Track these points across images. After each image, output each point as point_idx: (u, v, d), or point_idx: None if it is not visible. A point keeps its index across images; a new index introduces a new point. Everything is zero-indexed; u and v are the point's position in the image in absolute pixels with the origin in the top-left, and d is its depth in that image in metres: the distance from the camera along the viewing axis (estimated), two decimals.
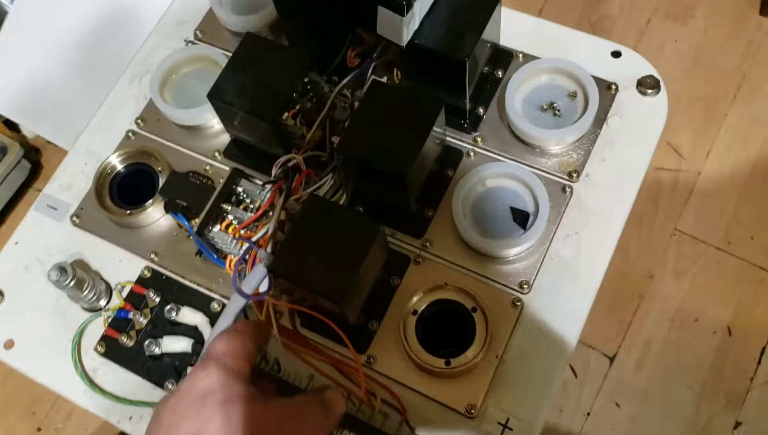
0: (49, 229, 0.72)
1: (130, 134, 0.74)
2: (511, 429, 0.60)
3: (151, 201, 0.69)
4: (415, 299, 0.63)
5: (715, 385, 1.28)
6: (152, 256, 0.68)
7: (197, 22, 0.79)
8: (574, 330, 0.63)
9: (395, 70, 0.70)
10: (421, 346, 0.61)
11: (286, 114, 0.63)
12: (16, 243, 0.72)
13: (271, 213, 0.61)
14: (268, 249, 0.60)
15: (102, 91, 0.78)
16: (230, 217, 0.61)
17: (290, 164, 0.65)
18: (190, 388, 0.48)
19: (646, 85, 0.70)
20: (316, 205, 0.59)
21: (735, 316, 1.32)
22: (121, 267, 0.69)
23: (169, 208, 0.62)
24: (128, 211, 0.69)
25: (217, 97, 0.64)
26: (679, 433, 1.26)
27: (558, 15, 1.58)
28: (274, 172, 0.64)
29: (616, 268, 1.35)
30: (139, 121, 0.75)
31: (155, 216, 0.69)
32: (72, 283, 0.62)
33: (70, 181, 0.74)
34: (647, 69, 0.71)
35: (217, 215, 0.61)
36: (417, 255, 0.66)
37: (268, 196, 0.62)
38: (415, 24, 0.62)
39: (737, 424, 1.25)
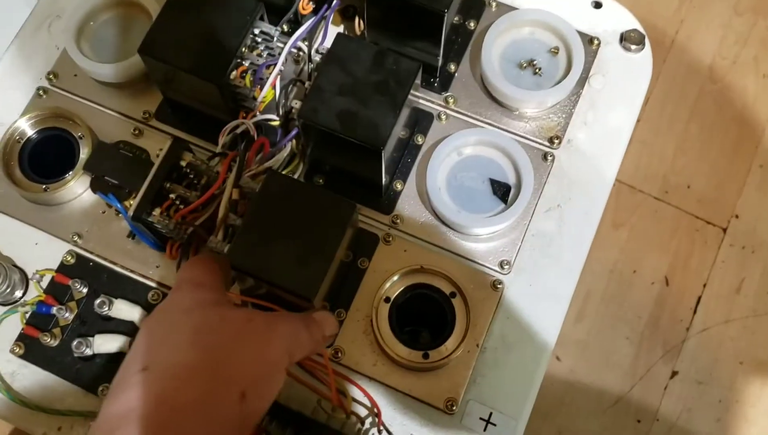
0: None
1: (40, 92, 0.63)
2: (494, 424, 0.55)
3: (71, 173, 0.58)
4: (387, 285, 0.56)
5: (653, 335, 1.29)
6: (75, 238, 0.58)
7: None
8: (559, 312, 0.58)
9: (357, 18, 0.61)
10: (395, 337, 0.55)
11: (234, 72, 0.54)
12: None
13: (219, 192, 0.52)
14: (220, 235, 0.51)
15: None
16: (171, 196, 0.52)
17: (239, 131, 0.56)
18: (171, 306, 0.44)
19: (630, 40, 0.64)
20: (276, 182, 0.51)
21: (672, 267, 1.32)
22: (39, 251, 0.58)
23: (96, 188, 0.52)
24: (44, 186, 0.58)
25: (150, 52, 0.53)
26: (618, 384, 1.27)
27: None
28: (220, 141, 0.55)
29: None
30: (51, 76, 0.63)
31: (77, 190, 0.59)
32: None
33: None
34: (631, 22, 0.65)
35: (156, 195, 0.51)
36: (386, 233, 0.58)
37: (217, 170, 0.53)
38: None
39: (674, 374, 1.26)
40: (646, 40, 0.64)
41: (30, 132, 0.60)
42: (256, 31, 0.55)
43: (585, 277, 1.30)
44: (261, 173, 0.53)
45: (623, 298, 1.31)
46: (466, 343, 0.55)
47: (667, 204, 1.36)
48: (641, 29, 0.65)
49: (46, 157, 0.60)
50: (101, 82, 0.62)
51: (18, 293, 0.57)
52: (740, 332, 1.29)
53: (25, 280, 0.57)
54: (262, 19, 0.55)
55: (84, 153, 0.59)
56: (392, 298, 0.56)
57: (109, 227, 0.59)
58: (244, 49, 0.54)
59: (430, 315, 0.56)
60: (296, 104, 0.54)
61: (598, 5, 0.66)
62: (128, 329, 0.56)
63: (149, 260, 0.58)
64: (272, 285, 0.48)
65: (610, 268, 1.32)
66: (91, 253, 0.58)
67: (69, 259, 0.58)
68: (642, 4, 1.48)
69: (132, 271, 0.58)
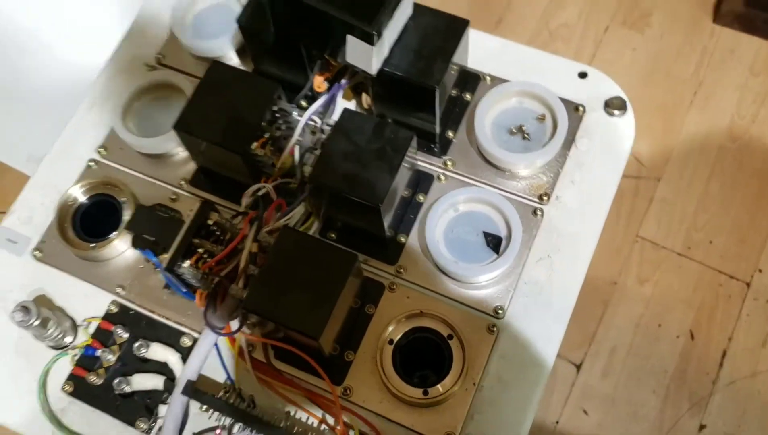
0: (8, 264, 0.69)
1: (92, 164, 0.72)
2: None
3: (116, 233, 0.67)
4: (390, 328, 0.62)
5: (679, 388, 1.30)
6: (119, 290, 0.67)
7: (158, 46, 0.77)
8: (550, 353, 0.63)
9: (364, 94, 0.69)
10: (398, 375, 0.61)
11: (255, 144, 0.62)
12: None
13: (241, 246, 0.60)
14: (240, 283, 0.59)
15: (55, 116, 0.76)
16: (200, 250, 0.60)
17: (260, 193, 0.64)
18: None
19: (613, 106, 0.70)
20: (289, 237, 0.58)
21: (697, 320, 1.35)
22: (87, 302, 0.67)
23: (137, 244, 0.61)
24: (92, 244, 0.67)
25: (183, 128, 0.62)
26: None
27: (517, 24, 1.59)
28: (243, 201, 0.63)
29: None
30: (101, 150, 0.73)
31: (120, 248, 0.68)
32: (36, 322, 0.60)
33: (30, 214, 0.71)
34: (614, 90, 0.72)
35: (186, 250, 0.59)
36: (391, 282, 0.65)
37: (239, 227, 0.61)
38: (384, 52, 0.61)
39: (701, 427, 1.28)
40: (628, 105, 0.71)
41: (81, 198, 0.69)
42: (275, 108, 0.63)
43: (610, 332, 1.34)
44: (277, 230, 0.60)
45: (649, 351, 1.33)
46: (464, 382, 0.61)
47: (691, 259, 1.39)
48: (623, 96, 0.71)
49: (94, 219, 0.69)
50: (144, 154, 0.72)
51: (68, 339, 0.65)
52: (767, 385, 1.30)
53: (75, 327, 0.66)
54: (279, 98, 0.64)
55: (127, 215, 0.68)
56: (395, 341, 0.62)
57: (147, 280, 0.67)
58: (264, 124, 0.62)
59: (430, 356, 0.62)
60: (308, 170, 0.62)
61: (583, 75, 0.73)
62: (162, 369, 0.63)
63: (182, 308, 0.65)
64: (283, 326, 0.55)
65: (636, 322, 1.36)
66: (132, 302, 0.66)
67: (113, 308, 0.66)
68: (660, 67, 1.54)
69: (167, 319, 0.65)
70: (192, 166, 0.71)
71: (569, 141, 0.69)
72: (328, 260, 0.57)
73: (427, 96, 0.63)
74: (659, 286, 1.37)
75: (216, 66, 0.64)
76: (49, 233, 0.69)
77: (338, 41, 0.60)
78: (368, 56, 0.59)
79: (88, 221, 0.69)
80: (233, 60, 0.75)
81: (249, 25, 0.65)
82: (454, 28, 0.64)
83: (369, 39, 0.57)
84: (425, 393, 0.60)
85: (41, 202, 0.71)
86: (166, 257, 0.59)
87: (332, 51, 0.63)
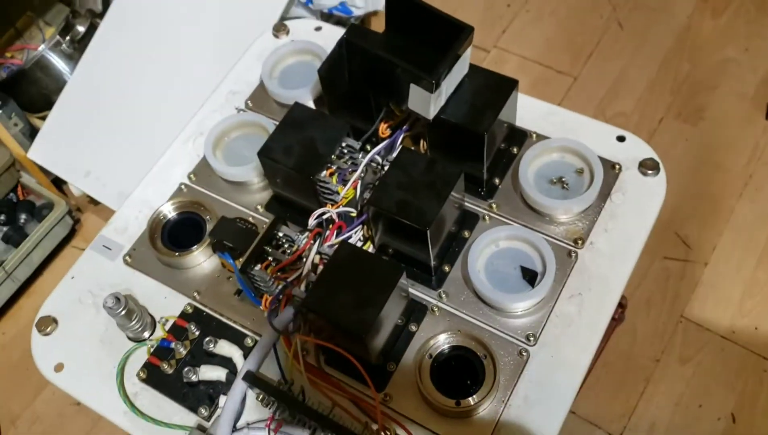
0: (102, 267, 0.80)
1: (182, 187, 0.83)
2: None
3: (197, 245, 0.77)
4: (431, 344, 0.69)
5: None
6: (195, 294, 0.76)
7: (248, 93, 0.89)
8: (575, 380, 0.69)
9: (422, 141, 0.78)
10: (434, 386, 0.67)
11: (324, 172, 0.72)
12: (72, 277, 0.80)
13: (305, 258, 0.69)
14: (302, 288, 0.67)
15: (146, 155, 0.87)
16: (270, 258, 0.69)
17: (325, 217, 0.73)
18: None
19: (647, 166, 0.78)
20: (346, 250, 0.67)
21: (739, 404, 1.35)
22: (167, 303, 0.76)
23: (217, 248, 0.70)
24: (176, 253, 0.77)
25: (266, 154, 0.73)
26: None
27: (575, 109, 1.68)
28: (310, 222, 0.72)
29: (623, 351, 1.40)
30: (191, 175, 0.84)
31: (200, 259, 0.77)
32: (123, 311, 0.70)
33: (125, 226, 0.82)
34: (648, 152, 0.79)
35: (258, 256, 0.69)
36: (434, 305, 0.73)
37: (304, 241, 0.70)
38: (441, 101, 0.71)
39: None
40: (661, 167, 0.78)
41: (171, 214, 0.80)
42: (344, 144, 0.73)
43: (650, 408, 1.36)
44: (337, 244, 0.69)
45: (688, 431, 1.34)
46: (494, 398, 0.67)
47: (734, 343, 1.41)
48: (656, 157, 0.79)
49: (181, 232, 0.79)
50: (228, 181, 0.82)
51: (147, 333, 0.74)
52: None
53: (154, 324, 0.75)
54: (348, 135, 0.74)
55: (208, 229, 0.78)
56: (434, 356, 0.69)
57: (220, 287, 0.76)
58: (334, 157, 0.72)
59: (465, 372, 0.68)
60: (367, 196, 0.71)
61: (621, 139, 0.81)
62: (226, 363, 0.71)
63: (248, 314, 0.74)
64: (333, 324, 0.63)
65: (676, 401, 1.37)
66: (206, 305, 0.75)
67: (188, 309, 0.75)
68: (711, 159, 1.60)
69: (234, 322, 0.74)
70: (267, 194, 0.81)
71: (605, 194, 0.77)
72: (378, 270, 0.65)
73: (476, 142, 0.72)
74: (702, 367, 1.39)
75: (297, 106, 0.75)
76: (140, 242, 0.80)
77: (403, 90, 0.70)
78: (427, 103, 0.68)
79: (175, 234, 0.79)
80: (310, 106, 0.86)
81: (327, 74, 0.76)
82: (503, 86, 0.73)
83: (429, 87, 0.67)
84: (458, 404, 0.66)
85: (135, 216, 0.82)
86: (241, 261, 0.68)
87: (397, 100, 0.73)
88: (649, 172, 0.78)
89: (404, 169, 0.70)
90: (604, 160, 0.77)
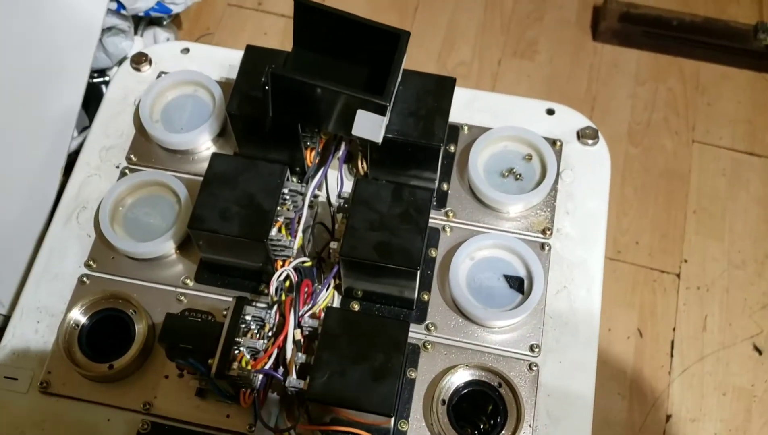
0: (12, 404, 0.64)
1: (84, 279, 0.68)
2: None
3: (132, 348, 0.63)
4: (440, 387, 0.62)
5: (641, 386, 1.37)
6: (147, 406, 0.63)
7: (126, 145, 0.74)
8: (589, 380, 0.66)
9: (360, 160, 0.69)
10: (458, 434, 0.61)
11: (273, 229, 0.61)
12: None
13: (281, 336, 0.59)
14: (293, 374, 0.57)
15: None
16: (242, 350, 0.58)
17: (282, 278, 0.63)
18: None
19: (587, 136, 0.75)
20: (335, 316, 0.58)
21: (642, 319, 1.42)
22: (112, 427, 0.62)
23: (174, 356, 0.58)
24: (108, 365, 0.63)
25: (199, 226, 0.60)
26: None
27: (417, 66, 1.64)
28: (271, 289, 0.61)
29: None
30: (90, 262, 0.69)
31: (139, 364, 0.64)
32: None
33: (25, 345, 0.66)
34: (583, 121, 0.76)
35: (229, 351, 0.57)
36: (424, 341, 0.65)
37: (275, 316, 0.59)
38: (387, 120, 0.62)
39: (668, 417, 1.34)
40: (599, 134, 0.75)
41: (83, 319, 0.65)
42: (285, 190, 0.63)
43: None
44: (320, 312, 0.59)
45: (606, 356, 1.40)
46: (521, 427, 0.61)
47: (623, 262, 1.47)
48: (593, 125, 0.76)
49: (102, 337, 0.65)
50: (138, 260, 0.68)
51: None
52: (715, 366, 1.39)
53: None
54: (288, 179, 0.63)
55: (139, 327, 0.64)
56: (447, 400, 0.62)
57: (176, 390, 0.63)
58: (279, 208, 0.61)
59: (485, 407, 0.62)
60: (334, 245, 0.61)
61: (551, 112, 0.77)
62: None
63: (220, 411, 0.62)
64: (354, 409, 0.54)
65: None
66: (165, 417, 0.62)
67: (145, 427, 0.62)
68: (555, 93, 1.64)
69: (206, 426, 0.62)
70: (191, 263, 0.69)
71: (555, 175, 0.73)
72: (380, 332, 0.57)
73: (429, 156, 0.65)
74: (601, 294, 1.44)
75: (217, 158, 0.63)
76: (55, 361, 0.64)
77: (340, 116, 0.61)
78: (378, 127, 0.60)
79: (96, 341, 0.64)
80: (208, 147, 0.73)
81: (240, 112, 0.64)
82: (443, 88, 0.66)
83: (382, 111, 0.58)
84: None
85: (35, 329, 0.66)
86: (213, 364, 0.56)
87: (331, 126, 0.63)
88: (590, 141, 0.75)
89: (368, 204, 0.61)
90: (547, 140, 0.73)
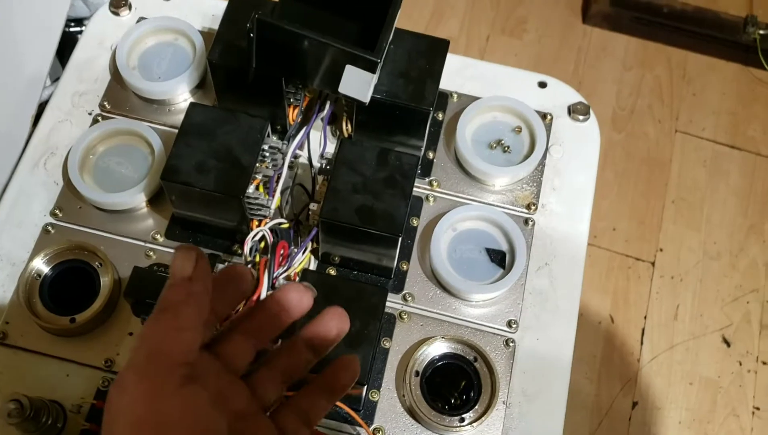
0: None
1: (49, 228, 0.65)
2: None
3: (96, 302, 0.60)
4: (414, 359, 0.60)
5: (609, 371, 1.37)
6: (108, 363, 0.60)
7: (100, 91, 0.71)
8: (566, 358, 0.65)
9: (345, 122, 0.67)
10: (431, 408, 0.59)
11: (251, 186, 0.59)
12: None
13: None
14: None
15: None
16: None
17: (257, 238, 0.60)
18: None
19: (578, 111, 0.73)
20: (311, 280, 0.55)
21: (614, 305, 1.42)
22: (72, 383, 0.60)
23: (139, 311, 0.55)
24: (70, 318, 0.60)
25: (172, 178, 0.57)
26: (587, 423, 1.34)
27: None
28: (246, 249, 0.59)
29: None
30: (56, 211, 0.65)
31: (103, 318, 0.61)
32: (31, 413, 0.53)
33: None
34: (575, 96, 0.74)
35: None
36: (401, 311, 0.64)
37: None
38: (376, 78, 0.60)
39: (634, 404, 1.35)
40: (591, 110, 0.74)
41: (45, 269, 0.62)
42: (265, 147, 0.60)
43: None
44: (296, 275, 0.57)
45: (577, 340, 1.39)
46: (495, 403, 0.60)
47: (599, 247, 1.47)
48: (585, 101, 0.74)
49: (65, 288, 0.62)
50: (107, 211, 0.65)
51: (59, 426, 0.58)
52: (684, 355, 1.39)
53: (63, 414, 0.58)
54: (268, 135, 0.60)
55: (105, 280, 0.61)
56: (421, 372, 0.60)
57: None
58: (258, 164, 0.59)
59: (459, 381, 0.61)
60: (313, 207, 0.59)
61: (543, 85, 0.75)
62: None
63: None
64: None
65: None
66: None
67: (105, 384, 0.59)
68: (542, 69, 1.62)
69: None
70: (162, 218, 0.66)
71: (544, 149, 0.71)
72: (357, 298, 0.55)
73: (418, 120, 0.62)
74: None
75: (194, 108, 0.60)
76: (14, 312, 0.61)
77: (327, 71, 0.58)
78: (367, 85, 0.57)
79: (59, 292, 0.61)
80: (185, 99, 0.70)
81: (222, 61, 0.61)
82: (436, 49, 0.63)
83: (372, 67, 0.55)
84: (462, 420, 0.59)
85: None
86: None
87: (316, 82, 0.60)
88: (581, 117, 0.73)
89: (352, 166, 0.58)
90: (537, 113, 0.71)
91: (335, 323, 0.45)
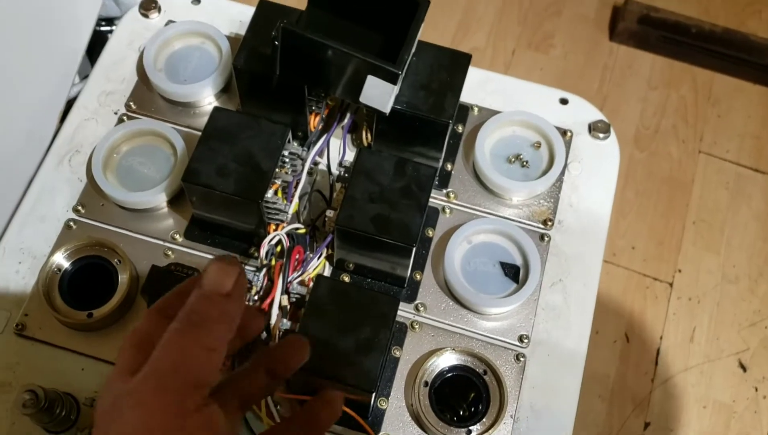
0: None
1: (71, 224, 0.66)
2: None
3: (113, 298, 0.62)
4: (424, 369, 0.61)
5: (622, 390, 1.36)
6: None
7: (127, 92, 0.72)
8: (576, 375, 0.65)
9: (365, 131, 0.68)
10: (439, 419, 0.59)
11: (270, 191, 0.59)
12: None
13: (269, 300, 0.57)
14: (276, 340, 0.56)
15: None
16: None
17: (273, 242, 0.61)
18: None
19: (599, 129, 0.73)
20: (325, 286, 0.56)
21: (630, 324, 1.42)
22: (86, 377, 0.61)
23: None
24: (87, 313, 0.61)
25: (193, 180, 0.58)
26: None
27: None
28: (262, 253, 0.60)
29: None
30: (79, 207, 0.67)
31: (120, 314, 0.62)
32: (45, 405, 0.54)
33: (4, 285, 0.64)
34: (596, 114, 0.74)
35: None
36: (412, 321, 0.64)
37: (263, 280, 0.58)
38: (397, 90, 0.60)
39: (646, 425, 1.34)
40: (611, 129, 0.74)
41: (66, 264, 0.63)
42: (286, 153, 0.61)
43: None
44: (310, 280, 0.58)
45: (590, 358, 1.38)
46: (503, 417, 0.60)
47: (617, 265, 1.46)
48: (605, 119, 0.74)
49: (84, 284, 0.63)
50: (128, 209, 0.67)
51: (72, 417, 0.59)
52: (699, 378, 1.38)
53: (77, 406, 0.59)
54: (289, 141, 0.61)
55: (123, 277, 0.62)
56: (430, 382, 0.60)
57: None
58: (277, 170, 0.60)
59: (467, 393, 0.61)
60: (330, 214, 0.60)
61: (564, 101, 0.75)
62: None
63: None
64: (336, 381, 0.53)
65: None
66: None
67: None
68: (567, 85, 1.62)
69: None
70: (182, 218, 0.67)
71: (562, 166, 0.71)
72: (369, 306, 0.55)
73: (438, 131, 0.63)
74: None
75: (218, 112, 0.61)
76: (33, 304, 0.63)
77: (349, 81, 0.59)
78: (388, 96, 0.58)
79: (77, 288, 0.63)
80: (210, 102, 0.71)
81: (246, 66, 0.62)
82: (457, 63, 0.64)
83: (393, 79, 0.56)
84: (469, 432, 0.59)
85: (16, 270, 0.65)
86: None
87: (338, 91, 0.61)
88: (601, 135, 0.73)
89: (369, 175, 0.59)
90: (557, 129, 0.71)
91: (296, 352, 0.45)
